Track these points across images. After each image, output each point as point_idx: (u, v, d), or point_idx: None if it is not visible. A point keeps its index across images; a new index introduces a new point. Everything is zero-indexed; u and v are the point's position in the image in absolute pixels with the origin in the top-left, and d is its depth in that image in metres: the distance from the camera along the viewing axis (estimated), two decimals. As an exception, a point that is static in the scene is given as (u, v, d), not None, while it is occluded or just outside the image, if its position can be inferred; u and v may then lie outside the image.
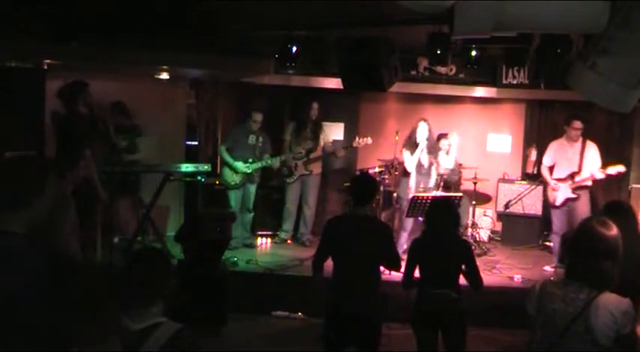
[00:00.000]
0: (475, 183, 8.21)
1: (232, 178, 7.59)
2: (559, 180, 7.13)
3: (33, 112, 6.02)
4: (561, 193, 7.09)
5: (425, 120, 7.29)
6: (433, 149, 7.34)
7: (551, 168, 7.27)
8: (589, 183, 7.01)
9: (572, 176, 7.03)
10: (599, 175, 6.90)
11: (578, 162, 7.02)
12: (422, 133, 7.18)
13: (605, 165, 6.99)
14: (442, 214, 4.45)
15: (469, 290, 4.41)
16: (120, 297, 2.45)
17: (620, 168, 6.92)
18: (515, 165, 9.19)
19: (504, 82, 8.35)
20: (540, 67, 7.87)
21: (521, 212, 8.50)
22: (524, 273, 7.00)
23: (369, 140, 7.79)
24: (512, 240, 8.55)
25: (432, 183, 7.35)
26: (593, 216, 3.40)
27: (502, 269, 7.22)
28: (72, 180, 4.79)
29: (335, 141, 8.37)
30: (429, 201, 6.52)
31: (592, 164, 6.99)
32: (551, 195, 7.24)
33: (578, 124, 7.00)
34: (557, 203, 7.13)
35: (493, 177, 8.71)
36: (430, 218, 4.54)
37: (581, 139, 7.08)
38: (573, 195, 7.02)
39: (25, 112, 5.91)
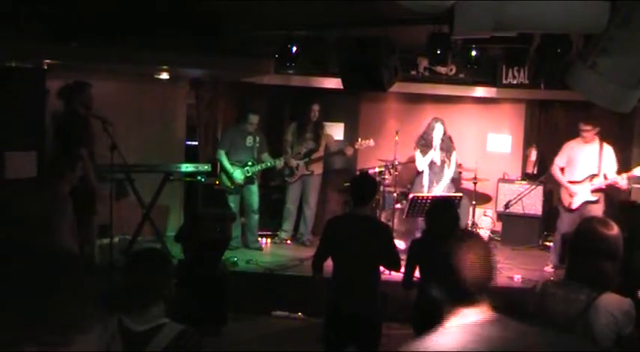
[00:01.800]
0: (475, 183, 8.21)
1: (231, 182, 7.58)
2: (575, 182, 6.93)
3: (33, 112, 6.02)
4: (579, 196, 6.87)
5: (440, 121, 7.39)
6: (447, 147, 7.40)
7: (561, 169, 7.11)
8: (603, 185, 6.86)
9: (591, 178, 6.85)
10: (622, 181, 6.67)
11: (597, 164, 6.85)
12: (438, 134, 7.30)
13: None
14: (442, 214, 4.45)
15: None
16: (119, 298, 2.45)
17: None
18: (515, 165, 9.19)
19: (504, 82, 8.35)
20: (540, 67, 7.86)
21: (521, 212, 8.48)
22: (524, 273, 6.99)
23: (372, 142, 7.78)
24: (512, 240, 8.53)
25: (444, 181, 7.38)
26: (594, 216, 3.40)
27: (502, 270, 7.20)
28: (70, 181, 4.80)
29: (338, 142, 8.38)
30: (428, 201, 6.52)
31: (607, 167, 6.83)
32: (566, 198, 7.01)
33: (585, 127, 6.88)
34: (574, 206, 6.89)
35: (493, 177, 8.70)
36: (430, 218, 4.54)
37: (597, 140, 6.94)
38: (593, 198, 6.81)
39: (25, 112, 5.91)
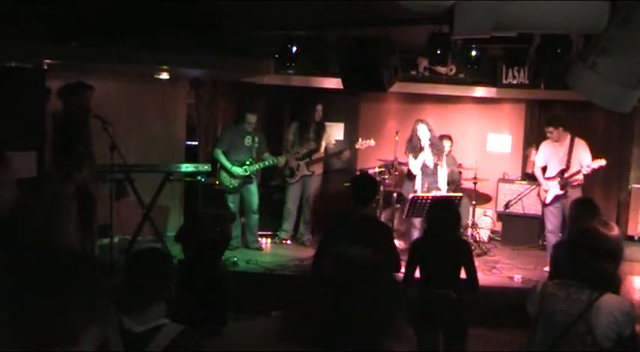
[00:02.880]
0: (475, 183, 8.21)
1: (230, 182, 7.57)
2: (550, 178, 7.18)
3: (33, 112, 6.01)
4: (551, 191, 7.14)
5: (423, 122, 7.28)
6: (437, 148, 7.34)
7: (544, 169, 7.28)
8: (580, 177, 7.00)
9: (561, 173, 7.07)
10: (585, 170, 6.91)
11: (565, 160, 7.06)
12: (423, 135, 7.20)
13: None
14: (442, 214, 4.44)
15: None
16: (119, 298, 2.45)
17: (602, 162, 6.91)
18: (515, 165, 9.19)
19: (504, 82, 8.36)
20: (540, 67, 7.87)
21: (521, 212, 8.50)
22: (524, 273, 6.99)
23: (372, 142, 7.78)
24: (512, 240, 8.54)
25: (439, 182, 7.34)
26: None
27: (502, 269, 7.22)
28: (76, 181, 4.80)
29: (337, 142, 8.37)
30: (428, 201, 6.52)
31: (582, 160, 6.99)
32: (542, 193, 7.32)
33: (548, 129, 7.12)
34: (547, 201, 7.18)
35: (493, 177, 8.71)
36: (430, 218, 4.53)
37: (569, 137, 7.10)
38: (561, 192, 7.04)
39: (25, 112, 5.90)
